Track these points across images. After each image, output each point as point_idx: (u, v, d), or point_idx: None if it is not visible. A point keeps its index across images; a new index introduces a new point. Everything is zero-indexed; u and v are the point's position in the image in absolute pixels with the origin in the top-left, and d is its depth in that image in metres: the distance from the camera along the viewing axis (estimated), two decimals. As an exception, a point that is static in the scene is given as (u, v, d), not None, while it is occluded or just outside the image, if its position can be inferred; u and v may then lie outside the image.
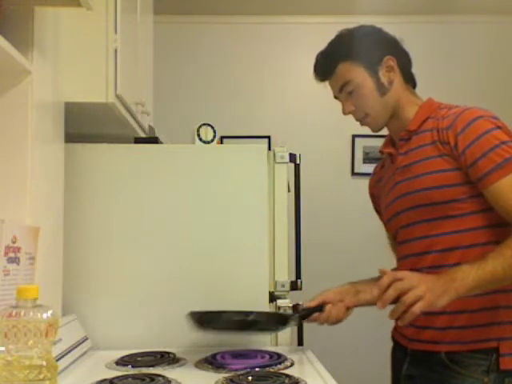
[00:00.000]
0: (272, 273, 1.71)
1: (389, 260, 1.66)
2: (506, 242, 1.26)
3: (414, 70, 1.51)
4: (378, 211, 1.64)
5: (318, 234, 3.30)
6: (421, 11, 3.44)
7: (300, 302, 1.74)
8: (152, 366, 1.36)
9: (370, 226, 2.79)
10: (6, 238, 1.11)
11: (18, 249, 1.16)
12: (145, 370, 1.32)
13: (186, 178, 1.69)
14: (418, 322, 1.32)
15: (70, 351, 1.37)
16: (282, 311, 1.57)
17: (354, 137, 3.46)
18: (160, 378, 1.21)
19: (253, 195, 1.69)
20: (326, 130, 3.47)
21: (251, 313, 1.41)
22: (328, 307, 1.44)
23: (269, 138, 3.43)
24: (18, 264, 1.16)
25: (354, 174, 3.48)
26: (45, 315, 0.88)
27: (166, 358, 1.43)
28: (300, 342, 1.74)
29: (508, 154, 1.28)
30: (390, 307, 1.23)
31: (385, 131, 1.52)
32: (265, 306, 1.67)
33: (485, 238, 1.33)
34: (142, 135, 2.05)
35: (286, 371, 1.29)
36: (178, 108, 3.42)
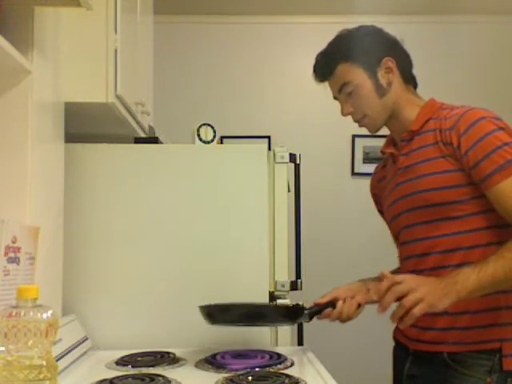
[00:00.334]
0: (272, 273, 1.71)
1: (389, 260, 1.66)
2: (507, 245, 1.26)
3: (414, 70, 1.51)
4: (380, 211, 1.64)
5: (317, 234, 3.31)
6: (421, 11, 3.44)
7: (300, 302, 1.74)
8: (152, 365, 1.36)
9: (369, 226, 2.80)
10: (6, 238, 1.11)
11: (18, 249, 1.16)
12: (145, 370, 1.32)
13: (186, 178, 1.69)
14: (420, 323, 1.32)
15: (70, 351, 1.37)
16: (293, 304, 1.53)
17: (353, 137, 3.46)
18: (160, 378, 1.21)
19: (253, 195, 1.69)
20: (325, 129, 3.47)
21: (262, 306, 1.44)
22: (340, 304, 1.43)
23: (269, 137, 3.43)
24: (18, 264, 1.16)
25: (353, 174, 3.48)
26: (45, 315, 0.88)
27: (166, 358, 1.43)
28: (300, 342, 1.74)
29: (510, 155, 1.28)
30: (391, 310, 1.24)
31: (385, 131, 1.52)
32: (265, 306, 1.67)
33: (487, 239, 1.33)
34: (142, 135, 2.05)
35: (286, 371, 1.29)
36: (177, 108, 3.42)
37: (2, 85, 1.25)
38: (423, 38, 3.41)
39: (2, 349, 0.87)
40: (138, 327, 1.64)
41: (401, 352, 1.50)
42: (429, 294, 1.20)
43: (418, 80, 1.52)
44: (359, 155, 3.48)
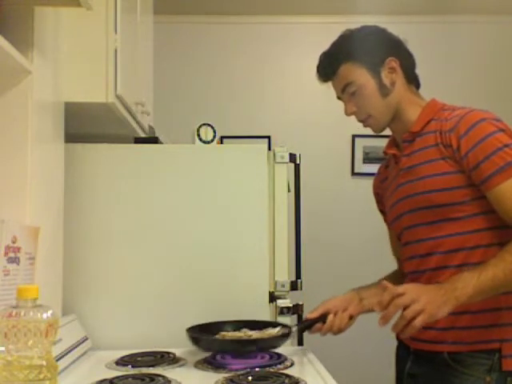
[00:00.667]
0: (272, 273, 1.71)
1: (389, 260, 1.66)
2: (507, 248, 1.27)
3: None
4: (382, 211, 1.64)
5: (317, 234, 3.30)
6: (421, 11, 3.44)
7: (300, 302, 1.75)
8: (152, 365, 1.36)
9: (369, 225, 2.79)
10: (6, 238, 1.11)
11: (18, 249, 1.16)
12: (145, 370, 1.32)
13: (186, 178, 1.69)
14: None
15: (70, 351, 1.37)
16: (278, 329, 1.47)
17: (354, 137, 3.46)
18: (160, 378, 1.21)
19: (253, 195, 1.69)
20: (325, 129, 3.47)
21: (250, 341, 1.41)
22: (330, 317, 1.43)
23: (269, 137, 3.43)
24: (18, 264, 1.16)
25: (353, 174, 3.48)
26: (45, 315, 0.88)
27: (166, 358, 1.43)
28: (300, 342, 1.73)
29: (510, 157, 1.28)
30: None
31: (385, 131, 1.52)
32: (265, 306, 1.67)
33: (488, 240, 1.33)
34: (142, 135, 2.05)
35: (286, 371, 1.29)
36: (177, 108, 3.42)
37: (2, 85, 1.25)
38: (423, 37, 3.40)
39: (2, 349, 0.87)
40: (138, 327, 1.64)
41: (402, 351, 1.51)
42: (429, 303, 1.21)
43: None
44: (359, 155, 3.48)
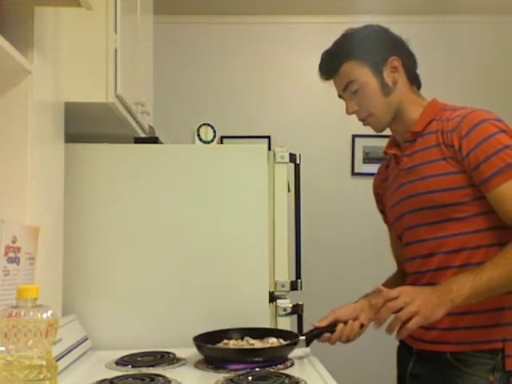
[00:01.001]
0: (272, 273, 1.71)
1: (389, 260, 1.66)
2: (502, 253, 1.27)
3: (415, 70, 1.51)
4: (382, 211, 1.64)
5: (317, 234, 3.30)
6: (421, 11, 3.44)
7: (300, 302, 1.75)
8: (152, 365, 1.36)
9: (369, 226, 2.79)
10: (6, 238, 1.11)
11: (18, 249, 1.16)
12: (145, 370, 1.32)
13: (186, 178, 1.69)
14: None
15: (70, 351, 1.37)
16: (287, 342, 1.42)
17: (354, 137, 3.46)
18: (160, 378, 1.21)
19: (253, 195, 1.69)
20: (325, 129, 3.47)
21: (257, 350, 1.38)
22: (340, 326, 1.39)
23: (269, 138, 3.43)
24: (18, 264, 1.16)
25: (353, 174, 3.48)
26: (45, 315, 0.88)
27: (166, 358, 1.43)
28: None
29: (510, 158, 1.28)
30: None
31: (385, 131, 1.52)
32: (265, 306, 1.67)
33: (490, 240, 1.33)
34: (142, 135, 2.05)
35: (286, 371, 1.29)
36: (177, 108, 3.42)
37: (2, 85, 1.25)
38: (423, 37, 3.40)
39: (2, 349, 0.87)
40: (138, 327, 1.63)
41: (404, 351, 1.51)
42: (423, 305, 1.21)
43: (419, 80, 1.52)
44: (359, 155, 3.48)
